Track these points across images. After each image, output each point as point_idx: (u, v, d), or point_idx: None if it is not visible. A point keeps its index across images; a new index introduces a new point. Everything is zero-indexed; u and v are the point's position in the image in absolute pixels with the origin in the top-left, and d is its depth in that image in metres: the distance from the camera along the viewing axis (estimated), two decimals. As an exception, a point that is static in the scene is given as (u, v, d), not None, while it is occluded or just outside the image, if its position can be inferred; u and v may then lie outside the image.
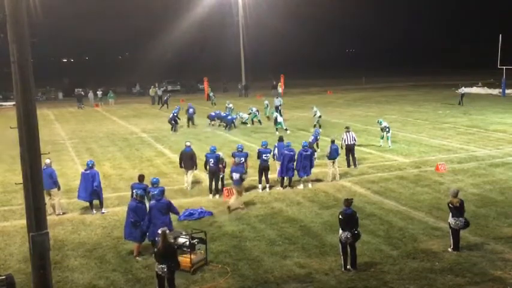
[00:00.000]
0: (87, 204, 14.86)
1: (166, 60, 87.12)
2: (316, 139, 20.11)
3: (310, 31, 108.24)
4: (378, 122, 23.66)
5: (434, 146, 23.01)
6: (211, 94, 47.28)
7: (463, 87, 40.79)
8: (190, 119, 31.76)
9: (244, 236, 12.60)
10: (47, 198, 13.88)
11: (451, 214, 11.30)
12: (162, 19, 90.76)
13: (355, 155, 19.40)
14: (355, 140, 19.21)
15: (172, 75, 74.33)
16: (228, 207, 14.52)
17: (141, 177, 13.61)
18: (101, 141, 27.33)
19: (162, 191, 12.22)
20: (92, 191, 14.46)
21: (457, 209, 11.17)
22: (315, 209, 14.49)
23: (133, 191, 13.06)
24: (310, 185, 16.73)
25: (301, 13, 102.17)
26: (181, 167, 17.14)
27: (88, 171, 14.58)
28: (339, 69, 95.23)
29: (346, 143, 19.01)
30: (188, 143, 17.28)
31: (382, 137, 23.12)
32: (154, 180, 12.78)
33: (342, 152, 18.61)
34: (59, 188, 14.74)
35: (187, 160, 16.78)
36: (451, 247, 11.26)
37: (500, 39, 44.22)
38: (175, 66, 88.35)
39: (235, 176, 14.77)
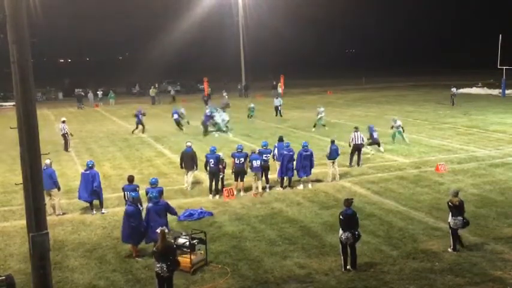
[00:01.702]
0: (87, 204, 14.86)
1: (166, 60, 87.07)
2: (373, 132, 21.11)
3: (310, 31, 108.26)
4: (393, 119, 23.99)
5: (434, 146, 23.01)
6: (224, 94, 44.38)
7: (453, 88, 40.84)
8: (177, 123, 30.04)
9: (244, 236, 12.61)
10: (47, 199, 13.89)
11: (450, 214, 11.30)
12: (162, 19, 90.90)
13: (361, 155, 19.57)
14: (363, 140, 19.39)
15: (172, 75, 74.30)
16: (255, 194, 15.95)
17: (131, 178, 13.59)
18: (100, 141, 27.34)
19: (161, 192, 12.23)
20: (92, 191, 14.46)
21: (457, 208, 11.18)
22: (315, 209, 14.49)
23: (125, 193, 13.05)
24: (310, 185, 16.74)
25: (301, 13, 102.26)
26: (181, 167, 17.14)
27: (88, 172, 14.58)
28: (339, 69, 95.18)
29: (354, 142, 19.14)
30: (189, 143, 17.29)
31: (393, 136, 23.54)
32: (153, 180, 12.78)
33: (345, 151, 18.63)
34: (59, 189, 14.74)
35: (188, 160, 16.79)
36: (451, 247, 11.27)
37: (500, 39, 44.21)
38: (175, 66, 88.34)
39: (256, 163, 15.81)
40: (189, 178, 16.91)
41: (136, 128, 29.43)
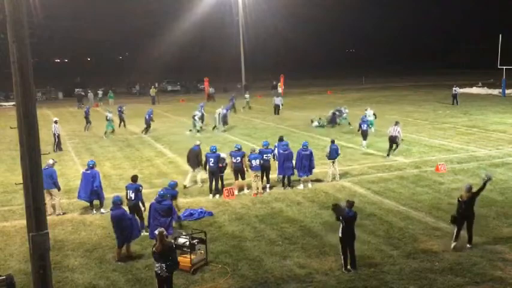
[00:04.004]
0: (88, 204, 14.86)
1: (166, 60, 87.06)
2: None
3: (310, 31, 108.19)
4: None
5: (434, 146, 23.00)
6: (247, 96, 42.15)
7: (456, 88, 40.84)
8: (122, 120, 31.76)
9: (244, 236, 12.61)
10: (47, 198, 13.92)
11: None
12: (162, 19, 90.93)
13: (398, 146, 20.91)
14: (399, 132, 20.72)
15: (172, 75, 74.28)
16: (255, 194, 15.97)
17: (135, 178, 13.50)
18: (101, 141, 27.32)
19: (173, 195, 12.31)
20: (91, 191, 14.46)
21: (465, 203, 11.15)
22: (315, 209, 14.49)
23: (128, 191, 13.05)
24: (310, 185, 16.73)
25: (301, 13, 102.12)
26: (189, 164, 17.40)
27: (89, 171, 14.58)
28: (339, 69, 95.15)
29: (390, 134, 20.76)
30: (198, 142, 17.71)
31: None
32: (172, 183, 13.51)
33: (383, 142, 21.97)
34: (58, 189, 14.73)
35: (193, 158, 17.03)
36: (454, 239, 11.27)
37: (500, 39, 44.18)
38: (176, 66, 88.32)
39: (255, 162, 15.89)
40: (197, 176, 17.18)
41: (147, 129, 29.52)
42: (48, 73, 74.75)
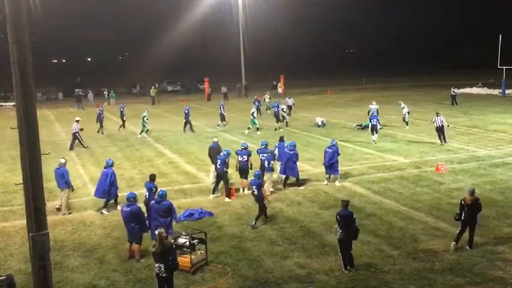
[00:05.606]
0: (88, 204, 14.90)
1: (167, 60, 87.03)
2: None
3: (310, 31, 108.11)
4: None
5: (434, 146, 22.99)
6: (266, 97, 40.84)
7: (455, 89, 40.89)
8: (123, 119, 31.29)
9: (245, 236, 12.61)
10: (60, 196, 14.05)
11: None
12: (162, 19, 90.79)
13: (445, 133, 23.25)
14: (442, 122, 23.00)
15: (172, 75, 74.30)
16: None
17: (153, 177, 13.64)
18: (101, 141, 27.32)
19: (165, 194, 12.33)
20: (104, 190, 14.59)
21: (468, 207, 11.14)
22: (315, 209, 14.49)
23: (144, 189, 13.14)
24: (337, 183, 16.90)
25: (301, 13, 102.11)
26: (211, 161, 17.54)
27: (105, 170, 14.78)
28: (339, 69, 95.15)
29: (436, 125, 22.97)
30: (215, 139, 18.04)
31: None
32: (257, 173, 13.84)
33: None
34: (72, 188, 14.83)
35: (214, 154, 17.07)
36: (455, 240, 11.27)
37: (500, 39, 44.17)
38: (176, 66, 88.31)
39: (265, 164, 15.98)
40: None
41: (185, 126, 29.72)
42: (48, 73, 74.77)
